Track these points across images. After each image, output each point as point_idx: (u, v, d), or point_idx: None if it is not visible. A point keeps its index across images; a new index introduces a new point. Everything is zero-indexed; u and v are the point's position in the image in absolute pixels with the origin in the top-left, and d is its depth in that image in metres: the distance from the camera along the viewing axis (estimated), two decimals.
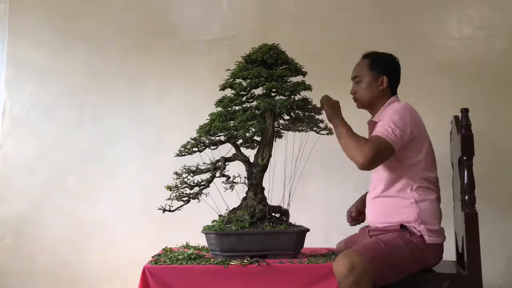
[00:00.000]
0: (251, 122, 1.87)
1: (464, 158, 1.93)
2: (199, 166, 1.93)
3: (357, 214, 2.22)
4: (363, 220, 2.22)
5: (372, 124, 2.06)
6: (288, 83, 1.96)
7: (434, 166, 1.99)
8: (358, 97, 2.10)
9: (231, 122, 1.91)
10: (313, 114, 1.99)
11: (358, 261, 1.67)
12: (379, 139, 1.84)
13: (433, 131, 2.81)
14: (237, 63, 2.01)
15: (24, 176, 3.00)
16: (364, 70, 2.08)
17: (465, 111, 1.95)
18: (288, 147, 2.14)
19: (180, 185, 1.88)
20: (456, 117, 2.08)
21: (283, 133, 2.10)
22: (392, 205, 1.94)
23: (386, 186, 1.96)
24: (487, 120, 2.69)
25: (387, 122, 1.88)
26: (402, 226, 1.88)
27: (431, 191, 1.93)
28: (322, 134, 2.06)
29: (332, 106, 1.98)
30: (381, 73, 2.06)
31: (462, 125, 1.95)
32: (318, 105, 2.03)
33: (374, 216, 2.02)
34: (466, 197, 1.90)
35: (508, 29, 2.90)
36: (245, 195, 1.98)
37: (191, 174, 1.91)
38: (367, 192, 2.15)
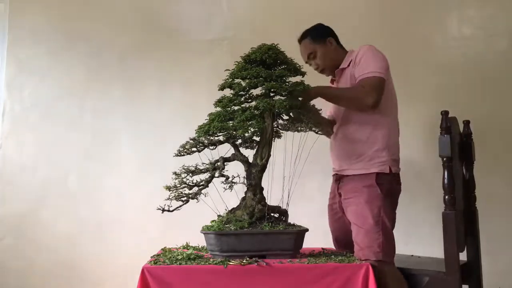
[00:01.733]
0: (250, 122, 1.87)
1: (444, 159, 1.93)
2: (198, 166, 1.93)
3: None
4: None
5: (340, 71, 2.20)
6: (287, 83, 1.96)
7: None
8: (323, 67, 2.24)
9: (230, 122, 1.91)
10: (312, 114, 1.99)
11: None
12: (371, 78, 1.98)
13: (433, 131, 2.83)
14: (236, 63, 2.00)
15: (24, 176, 3.00)
16: (310, 47, 2.23)
17: (445, 113, 1.96)
18: (287, 147, 2.15)
19: (179, 185, 1.88)
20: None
21: (282, 133, 2.10)
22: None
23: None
24: (487, 120, 2.69)
25: (366, 61, 2.03)
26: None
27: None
28: (321, 134, 2.06)
29: (310, 92, 2.00)
30: (324, 38, 2.23)
31: (442, 127, 1.95)
32: (318, 107, 2.03)
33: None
34: (446, 197, 1.91)
35: (508, 29, 2.90)
36: (244, 195, 1.98)
37: (190, 174, 1.91)
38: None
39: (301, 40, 2.27)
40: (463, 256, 2.06)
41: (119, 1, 3.14)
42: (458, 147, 2.10)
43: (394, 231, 2.00)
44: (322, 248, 2.17)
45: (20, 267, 2.92)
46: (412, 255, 2.33)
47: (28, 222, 2.96)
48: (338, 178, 2.16)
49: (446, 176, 1.92)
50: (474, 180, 2.22)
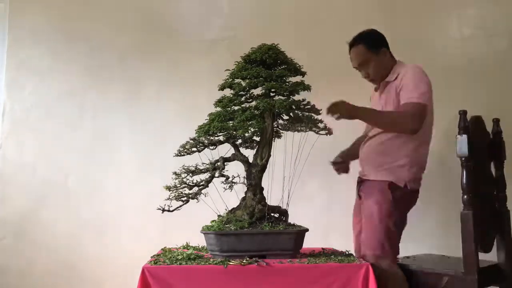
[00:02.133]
0: (250, 122, 1.87)
1: (462, 159, 1.93)
2: (198, 166, 1.93)
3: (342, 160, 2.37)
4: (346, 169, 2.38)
5: (385, 84, 2.20)
6: (287, 83, 1.96)
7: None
8: (374, 77, 2.24)
9: (230, 122, 1.91)
10: (312, 114, 1.99)
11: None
12: (415, 105, 2.02)
13: (434, 131, 2.83)
14: (236, 63, 2.01)
15: (24, 176, 3.00)
16: (363, 55, 2.20)
17: (463, 113, 1.96)
18: (287, 147, 2.15)
19: (179, 185, 1.88)
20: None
21: (282, 133, 2.10)
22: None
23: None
24: (487, 120, 2.69)
25: (411, 86, 2.06)
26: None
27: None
28: (321, 134, 2.06)
29: (346, 109, 1.98)
30: (379, 48, 2.21)
31: (460, 127, 1.94)
32: (318, 107, 2.03)
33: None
34: (464, 197, 1.91)
35: (508, 29, 2.89)
36: (244, 195, 1.98)
37: (190, 174, 1.91)
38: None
39: (353, 44, 2.23)
40: (493, 257, 2.07)
41: (119, 1, 3.14)
42: (486, 146, 2.11)
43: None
44: (322, 248, 2.18)
45: (20, 267, 2.91)
46: (443, 255, 2.35)
47: (28, 222, 2.95)
48: (360, 181, 2.26)
49: (464, 176, 1.92)
50: (504, 179, 2.16)
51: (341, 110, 1.95)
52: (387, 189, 2.06)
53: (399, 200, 2.07)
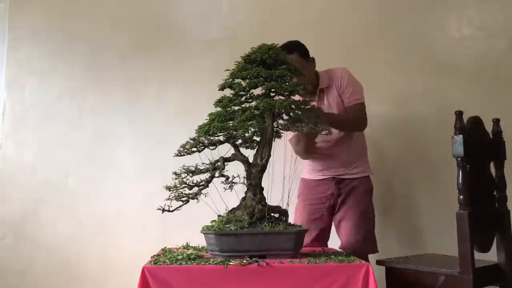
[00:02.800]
0: (250, 122, 1.86)
1: (458, 159, 1.93)
2: (198, 166, 1.92)
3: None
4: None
5: (321, 92, 2.41)
6: (287, 83, 1.96)
7: None
8: (308, 86, 2.30)
9: (230, 122, 1.90)
10: (312, 114, 1.99)
11: None
12: (360, 105, 2.36)
13: (433, 131, 2.84)
14: (236, 63, 2.00)
15: (24, 176, 3.00)
16: (299, 62, 2.27)
17: (459, 113, 1.96)
18: (287, 147, 2.15)
19: (179, 185, 1.88)
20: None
21: (282, 133, 2.10)
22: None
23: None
24: (487, 120, 2.69)
25: (352, 88, 2.36)
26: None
27: None
28: (321, 134, 2.06)
29: (325, 118, 2.15)
30: (308, 56, 2.41)
31: (456, 127, 1.95)
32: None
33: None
34: (460, 197, 1.92)
35: (508, 29, 2.90)
36: (244, 195, 1.98)
37: (190, 174, 1.91)
38: None
39: (288, 52, 2.23)
40: (493, 257, 2.08)
41: (119, 1, 3.14)
42: (486, 146, 2.11)
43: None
44: (322, 248, 2.18)
45: (20, 267, 2.92)
46: (444, 255, 2.35)
47: (28, 222, 2.96)
48: (338, 181, 2.43)
49: (460, 176, 1.93)
50: (504, 179, 2.16)
51: (322, 118, 2.08)
52: (371, 183, 2.46)
53: (372, 189, 2.47)
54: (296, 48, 2.36)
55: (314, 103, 2.36)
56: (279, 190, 1.99)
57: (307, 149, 2.40)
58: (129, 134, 3.03)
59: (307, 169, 2.54)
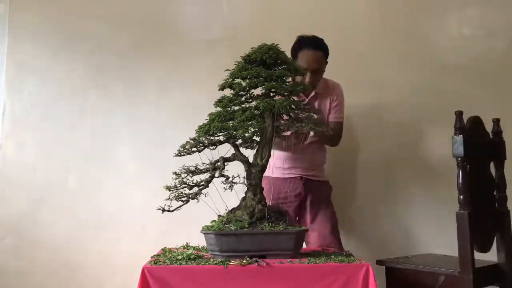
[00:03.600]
0: (250, 122, 1.87)
1: (458, 159, 1.94)
2: (198, 166, 1.93)
3: None
4: None
5: (315, 95, 2.44)
6: (287, 83, 1.96)
7: None
8: (316, 85, 2.40)
9: (230, 122, 1.91)
10: (312, 114, 1.99)
11: None
12: (341, 124, 2.48)
13: (433, 131, 2.84)
14: (236, 63, 2.01)
15: (24, 176, 3.00)
16: (322, 63, 2.38)
17: (459, 113, 1.97)
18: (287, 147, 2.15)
19: (179, 185, 1.88)
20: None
21: (282, 133, 2.10)
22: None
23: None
24: (487, 120, 2.69)
25: (341, 107, 2.47)
26: None
27: None
28: (324, 133, 2.06)
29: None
30: (327, 60, 2.43)
31: (456, 127, 1.96)
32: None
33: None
34: (460, 197, 1.93)
35: (508, 29, 2.90)
36: (244, 195, 1.98)
37: (190, 174, 1.91)
38: None
39: (316, 48, 2.35)
40: (493, 257, 2.09)
41: (119, 1, 3.14)
42: (486, 146, 2.11)
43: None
44: (322, 248, 2.18)
45: (20, 267, 2.91)
46: (444, 255, 2.36)
47: (28, 222, 2.95)
48: (306, 181, 2.47)
49: (460, 176, 1.93)
50: (504, 179, 2.16)
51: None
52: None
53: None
54: (324, 47, 2.41)
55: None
56: None
57: (294, 146, 2.35)
58: (129, 134, 3.02)
59: (273, 167, 2.42)
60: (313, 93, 2.43)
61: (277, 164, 2.46)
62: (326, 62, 2.42)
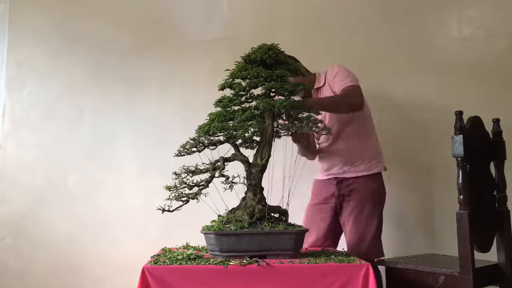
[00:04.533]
0: (250, 122, 1.87)
1: (458, 159, 1.94)
2: (198, 166, 1.93)
3: None
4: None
5: (316, 90, 2.43)
6: (287, 83, 1.96)
7: None
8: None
9: (230, 122, 1.91)
10: (312, 114, 1.99)
11: None
12: (351, 87, 2.25)
13: (433, 131, 2.84)
14: (236, 63, 2.01)
15: (24, 176, 3.00)
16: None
17: (459, 113, 1.97)
18: (288, 147, 2.15)
19: (179, 185, 1.88)
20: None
21: (283, 133, 2.10)
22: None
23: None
24: (487, 120, 2.69)
25: (342, 76, 2.29)
26: None
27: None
28: (322, 134, 2.06)
29: (309, 104, 2.06)
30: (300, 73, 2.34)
31: (456, 127, 1.96)
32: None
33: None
34: (460, 197, 1.92)
35: (508, 29, 2.89)
36: (244, 195, 1.98)
37: (190, 174, 1.91)
38: None
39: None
40: (492, 257, 2.08)
41: (120, 1, 3.14)
42: (486, 146, 2.11)
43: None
44: (322, 248, 2.18)
45: (20, 267, 2.91)
46: (444, 255, 2.36)
47: (28, 222, 2.95)
48: (339, 181, 2.37)
49: (460, 176, 1.93)
50: (504, 179, 2.15)
51: (312, 106, 2.06)
52: (379, 182, 2.36)
53: (383, 188, 2.37)
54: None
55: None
56: (279, 190, 1.98)
57: (303, 151, 2.40)
58: (129, 134, 3.02)
59: (319, 169, 2.52)
60: (313, 93, 2.44)
61: (319, 167, 2.50)
62: (302, 72, 2.40)
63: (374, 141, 2.43)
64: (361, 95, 2.28)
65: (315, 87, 2.45)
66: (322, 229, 2.39)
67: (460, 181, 1.93)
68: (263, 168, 1.95)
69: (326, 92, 2.38)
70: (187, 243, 2.17)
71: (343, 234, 2.41)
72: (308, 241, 2.34)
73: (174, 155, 1.96)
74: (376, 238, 2.29)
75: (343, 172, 2.37)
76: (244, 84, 1.96)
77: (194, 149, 1.95)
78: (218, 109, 1.97)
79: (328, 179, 2.43)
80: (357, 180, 2.33)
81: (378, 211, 2.32)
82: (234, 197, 1.99)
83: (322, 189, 2.46)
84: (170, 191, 1.88)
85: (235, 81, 1.98)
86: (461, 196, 1.92)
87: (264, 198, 1.96)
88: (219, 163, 1.92)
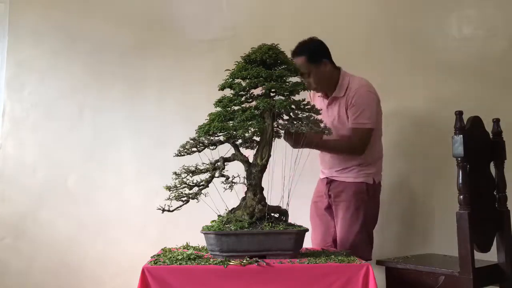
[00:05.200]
0: (250, 122, 1.87)
1: (458, 159, 1.94)
2: (198, 166, 1.93)
3: None
4: None
5: (335, 100, 2.36)
6: (287, 83, 1.96)
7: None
8: (315, 87, 2.38)
9: (230, 122, 1.91)
10: (312, 114, 1.99)
11: None
12: (362, 130, 2.26)
13: (433, 131, 2.84)
14: (236, 63, 2.01)
15: (24, 176, 3.00)
16: (304, 67, 2.28)
17: (459, 113, 1.97)
18: (287, 147, 2.15)
19: (179, 185, 1.88)
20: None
21: (283, 133, 2.10)
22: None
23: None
24: (487, 120, 2.69)
25: (359, 109, 2.26)
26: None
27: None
28: (325, 134, 2.06)
29: (312, 142, 2.18)
30: (320, 60, 2.33)
31: (456, 127, 1.96)
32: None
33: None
34: (460, 197, 1.93)
35: (508, 29, 2.89)
36: (244, 195, 1.98)
37: (190, 174, 1.91)
38: None
39: (295, 55, 2.31)
40: (492, 257, 2.09)
41: (120, 1, 3.14)
42: (486, 146, 2.12)
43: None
44: (322, 248, 2.18)
45: (20, 267, 2.92)
46: (444, 255, 2.36)
47: (28, 222, 2.96)
48: (329, 182, 2.44)
49: (460, 176, 1.93)
50: (504, 179, 2.15)
51: (318, 144, 2.22)
52: (363, 189, 2.33)
53: (372, 197, 2.36)
54: (302, 51, 2.33)
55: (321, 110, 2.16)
56: (279, 190, 1.98)
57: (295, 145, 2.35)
58: (129, 134, 3.02)
59: (320, 168, 2.59)
60: (330, 100, 2.40)
61: (320, 166, 2.55)
62: (316, 64, 2.32)
63: (372, 159, 2.37)
64: (367, 140, 2.29)
65: (333, 95, 2.37)
66: (325, 226, 2.47)
67: (460, 181, 1.93)
68: (263, 168, 1.95)
69: (342, 109, 2.33)
70: (187, 243, 2.17)
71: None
72: (318, 238, 2.46)
73: (174, 155, 1.96)
74: (360, 239, 2.29)
75: (332, 176, 2.44)
76: (244, 84, 1.96)
77: (194, 149, 1.95)
78: (218, 109, 1.97)
79: (322, 178, 2.53)
80: (344, 183, 2.38)
81: (363, 212, 2.31)
82: (234, 197, 1.99)
83: (319, 187, 2.56)
84: (170, 191, 1.88)
85: (235, 81, 1.98)
86: (461, 196, 1.93)
87: (264, 198, 1.96)
88: (219, 163, 1.92)
